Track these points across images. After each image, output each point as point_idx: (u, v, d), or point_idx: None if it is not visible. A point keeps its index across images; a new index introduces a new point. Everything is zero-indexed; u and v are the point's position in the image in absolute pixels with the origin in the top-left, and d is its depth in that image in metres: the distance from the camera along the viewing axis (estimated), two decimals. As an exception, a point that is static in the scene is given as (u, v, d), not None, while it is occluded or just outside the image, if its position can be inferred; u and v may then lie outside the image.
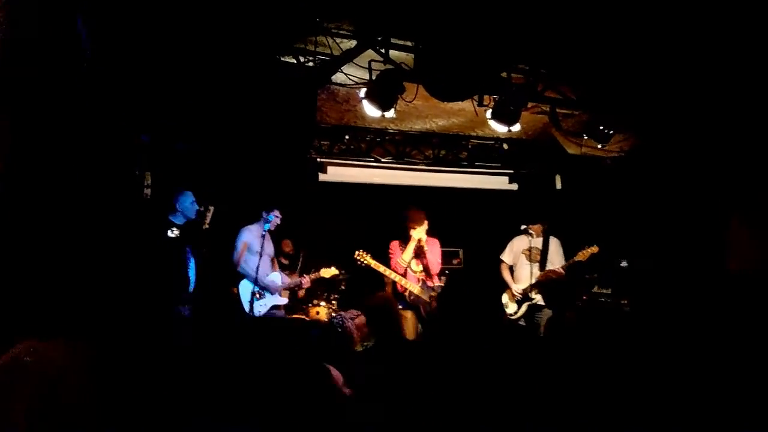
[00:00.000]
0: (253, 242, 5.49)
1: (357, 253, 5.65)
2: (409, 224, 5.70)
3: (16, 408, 1.22)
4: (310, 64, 4.85)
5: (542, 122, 6.53)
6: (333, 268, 6.03)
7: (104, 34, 3.68)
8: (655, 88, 5.18)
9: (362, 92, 4.95)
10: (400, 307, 5.64)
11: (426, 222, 5.73)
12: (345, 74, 4.97)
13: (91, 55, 3.53)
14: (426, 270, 5.74)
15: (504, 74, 5.09)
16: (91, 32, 3.50)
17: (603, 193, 7.07)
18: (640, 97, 5.32)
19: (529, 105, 5.62)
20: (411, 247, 5.65)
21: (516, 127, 5.51)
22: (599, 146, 5.83)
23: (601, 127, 5.56)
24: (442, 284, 5.99)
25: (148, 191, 5.25)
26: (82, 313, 3.54)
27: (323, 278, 6.11)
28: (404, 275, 5.67)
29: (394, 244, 5.79)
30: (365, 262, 5.63)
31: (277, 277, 5.76)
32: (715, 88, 5.11)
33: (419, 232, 5.65)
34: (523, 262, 6.34)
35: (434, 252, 5.83)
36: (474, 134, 7.55)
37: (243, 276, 5.58)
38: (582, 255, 6.10)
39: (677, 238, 6.16)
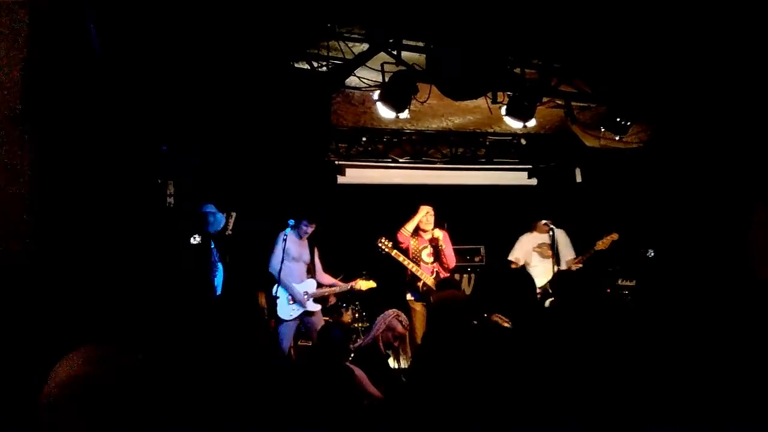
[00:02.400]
0: (290, 248, 5.54)
1: (380, 240, 5.73)
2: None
3: (78, 420, 1.27)
4: (324, 69, 4.90)
5: (559, 116, 6.49)
6: (371, 281, 6.03)
7: (117, 43, 3.77)
8: (672, 77, 5.13)
9: (376, 94, 4.99)
10: (411, 298, 5.72)
11: (431, 208, 5.83)
12: (358, 77, 5.01)
13: (104, 65, 3.62)
14: (440, 262, 5.80)
15: (517, 70, 5.09)
16: (104, 41, 3.59)
17: (624, 185, 7.00)
18: (657, 88, 5.27)
19: (544, 99, 5.61)
20: (415, 219, 5.78)
21: (532, 122, 5.50)
22: (617, 138, 5.79)
23: (618, 119, 5.52)
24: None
25: (171, 200, 5.35)
26: (118, 318, 3.64)
27: (360, 290, 6.02)
28: (417, 264, 5.74)
29: (400, 234, 5.90)
30: (386, 250, 5.71)
31: (310, 285, 5.79)
32: (736, 74, 5.04)
33: (422, 212, 5.76)
34: (537, 260, 6.29)
35: (446, 245, 5.90)
36: (491, 131, 7.54)
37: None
38: (602, 243, 6.03)
39: (700, 228, 6.08)
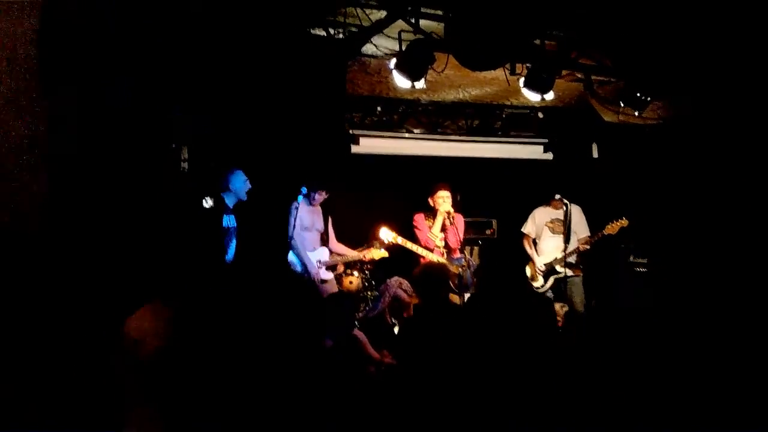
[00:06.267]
0: (303, 217, 5.54)
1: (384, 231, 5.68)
2: (436, 199, 5.69)
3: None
4: (340, 36, 4.84)
5: (578, 90, 6.39)
6: (383, 250, 6.03)
7: (132, 8, 3.74)
8: (694, 53, 5.01)
9: (392, 63, 4.92)
10: None
11: (451, 196, 5.72)
12: (375, 45, 4.95)
13: (116, 29, 3.60)
14: (446, 244, 5.73)
15: (537, 41, 4.99)
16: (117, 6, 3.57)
17: (641, 162, 6.91)
18: (679, 63, 5.15)
19: (564, 72, 5.51)
20: (439, 221, 5.65)
21: (550, 95, 5.42)
22: (636, 113, 5.69)
23: (638, 94, 5.43)
24: (469, 257, 5.97)
25: (185, 165, 5.35)
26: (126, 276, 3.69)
27: (372, 260, 6.07)
28: (432, 250, 5.68)
29: (419, 217, 5.79)
30: (393, 241, 5.65)
31: (323, 253, 5.80)
32: (758, 51, 4.92)
33: (446, 206, 5.64)
34: (547, 235, 6.26)
35: (459, 227, 5.80)
36: (508, 103, 7.44)
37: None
38: (611, 228, 6.00)
39: (717, 207, 6.01)
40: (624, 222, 5.95)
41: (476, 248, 7.79)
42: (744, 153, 5.73)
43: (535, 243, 6.42)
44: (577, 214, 6.26)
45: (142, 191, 4.18)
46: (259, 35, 4.51)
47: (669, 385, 2.45)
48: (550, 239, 6.26)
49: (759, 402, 2.33)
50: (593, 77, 5.79)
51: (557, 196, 6.24)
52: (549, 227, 6.29)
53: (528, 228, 6.44)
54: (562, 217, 6.23)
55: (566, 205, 6.13)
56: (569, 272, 6.03)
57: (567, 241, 6.08)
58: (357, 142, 7.29)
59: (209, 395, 1.47)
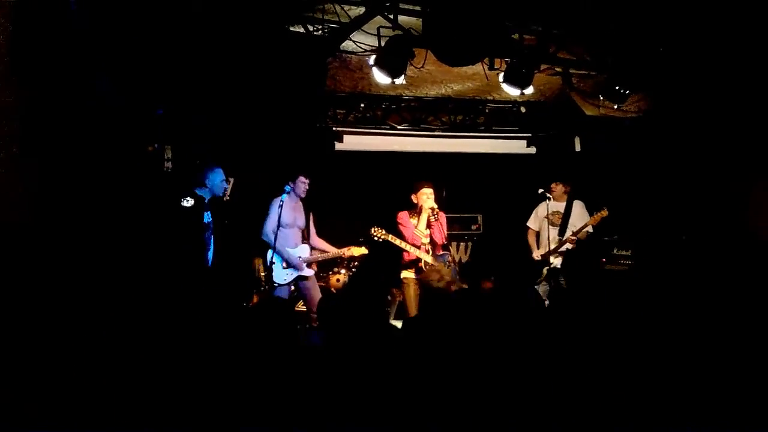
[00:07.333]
0: (284, 214, 5.52)
1: (373, 229, 5.68)
2: (419, 196, 5.70)
3: None
4: (319, 32, 4.84)
5: (559, 83, 6.42)
6: (363, 248, 6.04)
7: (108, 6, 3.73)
8: (672, 46, 5.06)
9: (372, 59, 4.93)
10: (409, 276, 5.67)
11: (434, 193, 5.73)
12: (354, 42, 4.95)
13: (86, 26, 3.59)
14: (432, 241, 5.74)
15: (515, 36, 5.02)
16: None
17: (622, 154, 6.97)
18: (657, 56, 5.20)
19: (543, 66, 5.54)
20: (424, 219, 5.66)
21: (530, 90, 5.44)
22: (616, 106, 5.74)
23: (617, 87, 5.47)
24: (449, 254, 5.98)
25: (168, 164, 5.33)
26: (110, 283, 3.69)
27: (353, 256, 6.13)
28: (418, 247, 5.68)
29: (404, 215, 5.77)
30: (382, 237, 5.64)
31: (304, 250, 5.81)
32: (737, 43, 4.97)
33: (430, 203, 5.65)
34: (545, 227, 6.34)
35: (443, 223, 5.81)
36: (490, 98, 7.48)
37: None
38: (593, 220, 6.07)
39: (697, 198, 6.07)
40: (605, 212, 6.01)
41: (462, 244, 7.86)
42: (723, 144, 5.79)
43: (539, 236, 6.50)
44: (579, 207, 6.33)
45: (124, 191, 4.18)
46: (237, 33, 4.50)
47: (657, 382, 2.48)
48: (546, 231, 6.33)
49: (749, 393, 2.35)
50: (574, 71, 5.83)
51: (540, 191, 6.28)
52: (548, 219, 6.36)
53: (531, 222, 6.54)
54: (561, 210, 6.32)
55: (569, 197, 6.18)
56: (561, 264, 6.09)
57: (562, 233, 6.16)
58: (341, 140, 7.30)
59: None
